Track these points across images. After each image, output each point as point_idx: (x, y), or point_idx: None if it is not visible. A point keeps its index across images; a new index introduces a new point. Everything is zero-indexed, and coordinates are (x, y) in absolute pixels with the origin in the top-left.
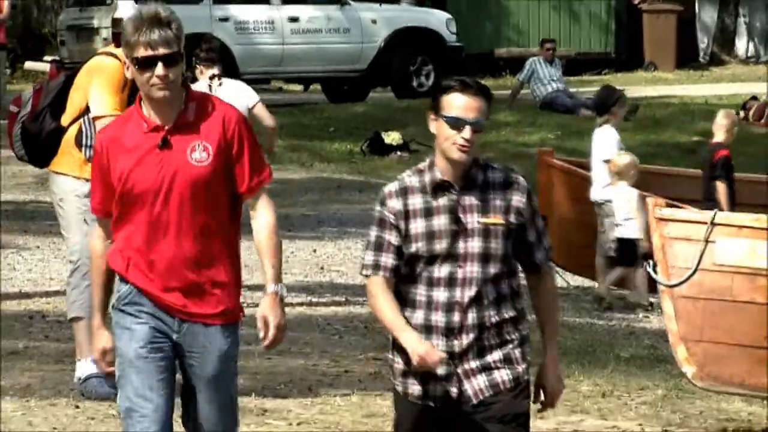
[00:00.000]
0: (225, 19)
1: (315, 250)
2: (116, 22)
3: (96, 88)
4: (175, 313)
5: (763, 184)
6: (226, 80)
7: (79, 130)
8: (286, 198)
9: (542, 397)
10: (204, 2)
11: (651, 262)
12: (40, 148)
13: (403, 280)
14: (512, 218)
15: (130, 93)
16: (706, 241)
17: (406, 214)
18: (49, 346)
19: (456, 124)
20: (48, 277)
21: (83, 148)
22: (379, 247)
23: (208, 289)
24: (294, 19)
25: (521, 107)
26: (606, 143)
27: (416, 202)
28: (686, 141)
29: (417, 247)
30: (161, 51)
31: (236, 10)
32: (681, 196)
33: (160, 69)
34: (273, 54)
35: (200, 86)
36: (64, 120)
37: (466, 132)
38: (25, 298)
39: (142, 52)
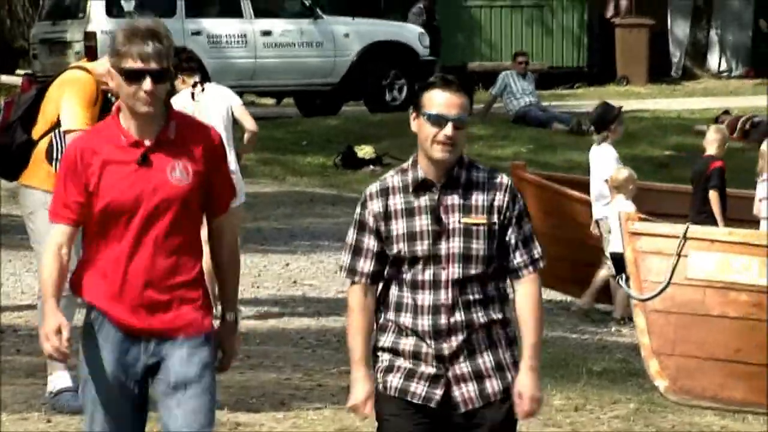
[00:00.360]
0: (197, 33)
1: (288, 264)
2: (89, 36)
3: (67, 101)
4: (141, 333)
5: (738, 198)
6: (207, 85)
7: (50, 144)
8: (258, 211)
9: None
10: (177, 16)
11: (624, 276)
12: (11, 160)
13: (388, 283)
14: (495, 218)
15: (101, 108)
16: (679, 255)
17: (387, 215)
18: (21, 360)
19: (437, 121)
20: (20, 291)
21: (54, 162)
22: (357, 251)
23: (175, 305)
24: (266, 33)
25: (494, 121)
26: (605, 161)
27: (397, 202)
28: (659, 155)
29: (399, 248)
30: (152, 65)
31: (209, 24)
32: (653, 210)
33: (148, 84)
34: (245, 68)
35: (183, 95)
36: (35, 133)
37: (448, 129)
38: None
39: (131, 64)
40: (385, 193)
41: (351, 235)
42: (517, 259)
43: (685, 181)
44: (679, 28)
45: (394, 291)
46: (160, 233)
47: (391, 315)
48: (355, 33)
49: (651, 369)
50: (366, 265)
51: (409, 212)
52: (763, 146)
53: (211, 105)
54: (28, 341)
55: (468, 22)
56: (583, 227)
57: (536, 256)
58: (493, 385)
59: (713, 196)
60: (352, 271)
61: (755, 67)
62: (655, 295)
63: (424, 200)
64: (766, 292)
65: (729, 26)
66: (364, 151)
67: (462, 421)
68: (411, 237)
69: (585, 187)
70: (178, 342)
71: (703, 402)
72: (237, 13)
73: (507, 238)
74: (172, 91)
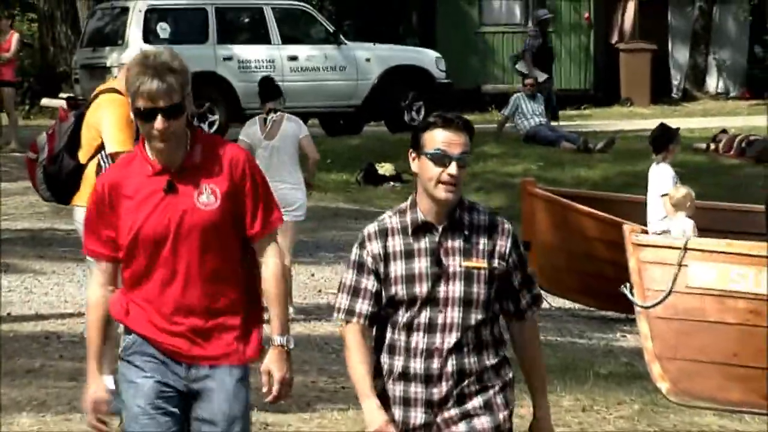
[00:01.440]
0: (229, 58)
1: (313, 274)
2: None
3: (106, 126)
4: (181, 358)
5: (734, 212)
6: (280, 114)
7: (98, 165)
8: None
9: None
10: (209, 42)
11: (628, 284)
12: (63, 187)
13: (382, 325)
14: (495, 263)
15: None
16: (680, 265)
17: (386, 257)
18: (64, 364)
19: (441, 160)
20: (63, 300)
21: None
22: (355, 292)
23: (216, 333)
24: (293, 58)
25: (506, 140)
26: (663, 179)
27: (396, 243)
28: None
29: (396, 290)
30: (161, 103)
31: (239, 50)
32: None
33: (159, 122)
34: None
35: (255, 120)
36: (82, 157)
37: (452, 168)
38: (41, 319)
39: (142, 104)
40: (383, 234)
41: (349, 276)
42: (522, 302)
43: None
44: (680, 53)
45: (386, 333)
46: (192, 259)
47: (384, 357)
48: (375, 58)
49: (654, 372)
50: (365, 307)
51: (408, 254)
52: None
53: (281, 132)
54: (71, 347)
55: (481, 47)
56: (590, 240)
57: (536, 293)
58: (482, 422)
59: None
60: (350, 313)
61: (750, 89)
62: (658, 303)
63: (424, 242)
64: (763, 299)
65: (726, 51)
66: (385, 168)
67: None
68: (410, 279)
69: (592, 201)
70: (221, 372)
71: (702, 403)
72: (265, 39)
73: (512, 282)
74: (199, 114)
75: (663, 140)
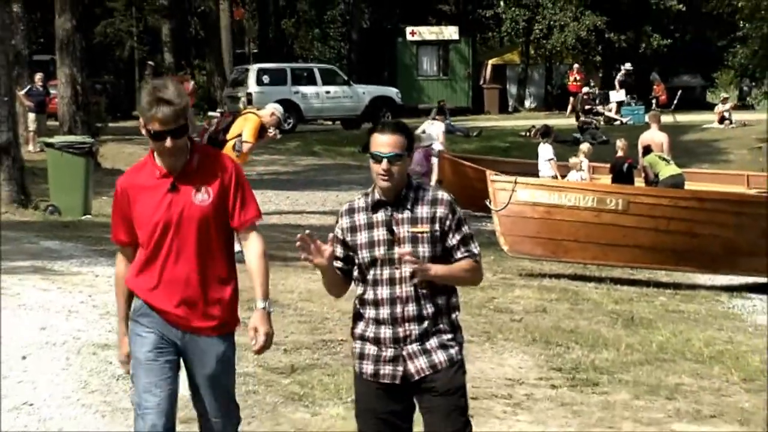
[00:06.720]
0: (297, 92)
1: (338, 196)
2: (248, 94)
3: (246, 127)
4: (178, 325)
5: (532, 165)
6: (435, 120)
7: (234, 143)
8: (324, 172)
9: None
10: (287, 85)
11: (489, 200)
12: (215, 145)
13: (357, 282)
14: (436, 227)
15: (259, 131)
16: (513, 190)
17: (352, 229)
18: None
19: (377, 158)
20: None
21: (235, 151)
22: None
23: (206, 304)
24: (328, 92)
25: None
26: (547, 152)
27: (361, 218)
28: (502, 146)
29: (362, 254)
30: (170, 126)
31: (302, 88)
32: (502, 170)
33: (168, 141)
34: (318, 107)
35: (426, 122)
36: (229, 136)
37: (384, 164)
38: None
39: (154, 126)
40: (351, 212)
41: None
42: (457, 255)
43: (516, 157)
44: (513, 89)
45: (361, 288)
46: (188, 244)
47: (359, 307)
48: (367, 92)
49: (500, 241)
50: (337, 264)
51: (369, 226)
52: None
53: (433, 129)
54: None
55: (419, 85)
56: (470, 179)
57: (474, 251)
58: (438, 357)
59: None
60: None
61: (546, 106)
62: (503, 208)
63: (380, 216)
64: (553, 206)
65: (533, 87)
66: None
67: (418, 387)
68: (371, 245)
69: (472, 160)
70: (210, 340)
71: (524, 256)
72: (314, 83)
73: (449, 242)
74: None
75: (547, 132)
